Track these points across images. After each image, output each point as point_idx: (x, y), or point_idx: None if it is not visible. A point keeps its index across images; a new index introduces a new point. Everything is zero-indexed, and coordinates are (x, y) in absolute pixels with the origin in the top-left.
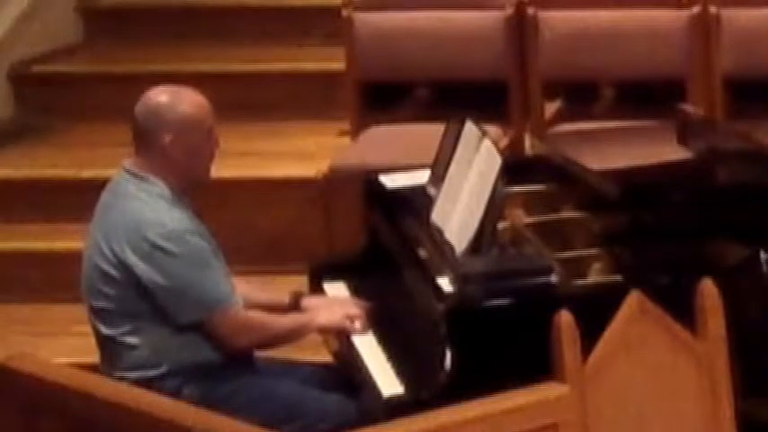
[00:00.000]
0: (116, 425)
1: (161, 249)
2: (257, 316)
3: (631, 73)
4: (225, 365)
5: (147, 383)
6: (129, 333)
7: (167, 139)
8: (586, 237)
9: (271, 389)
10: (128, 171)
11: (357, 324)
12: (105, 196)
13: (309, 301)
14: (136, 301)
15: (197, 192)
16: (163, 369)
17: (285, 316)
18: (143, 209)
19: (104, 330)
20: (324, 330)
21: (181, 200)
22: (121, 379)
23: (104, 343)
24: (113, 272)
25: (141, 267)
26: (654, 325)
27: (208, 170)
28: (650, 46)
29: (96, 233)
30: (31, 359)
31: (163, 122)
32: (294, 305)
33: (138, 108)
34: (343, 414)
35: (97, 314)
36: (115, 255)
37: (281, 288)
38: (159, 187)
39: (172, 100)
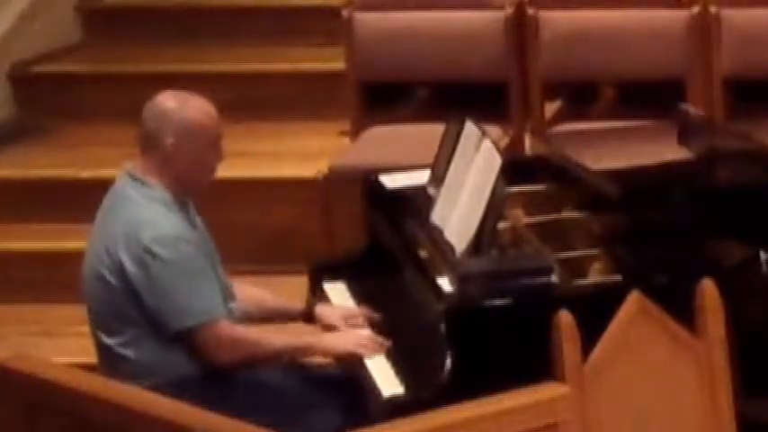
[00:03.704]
0: (116, 425)
1: (152, 253)
2: (248, 332)
3: (631, 73)
4: (220, 374)
5: None
6: (125, 344)
7: (169, 142)
8: (586, 237)
9: (272, 390)
10: (129, 174)
11: (369, 348)
12: (106, 200)
13: (323, 310)
14: (131, 308)
15: (195, 197)
16: (157, 379)
17: (283, 335)
18: (140, 213)
19: (104, 339)
20: (329, 354)
21: (179, 205)
22: None
23: (103, 351)
24: (110, 276)
25: (132, 270)
26: (654, 325)
27: (207, 180)
28: (650, 46)
29: (96, 238)
30: (31, 359)
31: (167, 126)
32: (307, 314)
33: (146, 110)
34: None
35: (96, 320)
36: (112, 259)
37: (280, 289)
38: (158, 191)
39: (179, 105)
